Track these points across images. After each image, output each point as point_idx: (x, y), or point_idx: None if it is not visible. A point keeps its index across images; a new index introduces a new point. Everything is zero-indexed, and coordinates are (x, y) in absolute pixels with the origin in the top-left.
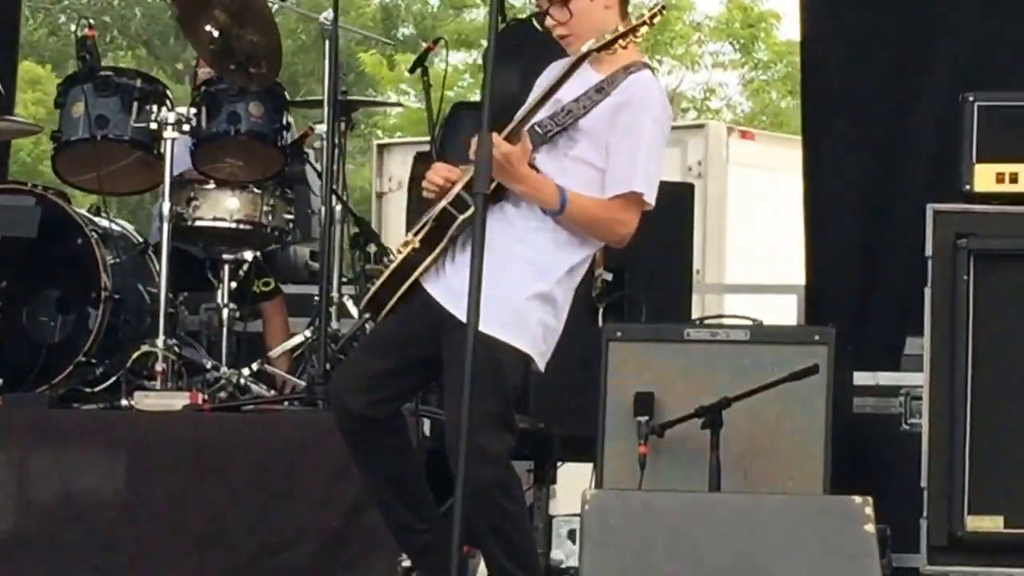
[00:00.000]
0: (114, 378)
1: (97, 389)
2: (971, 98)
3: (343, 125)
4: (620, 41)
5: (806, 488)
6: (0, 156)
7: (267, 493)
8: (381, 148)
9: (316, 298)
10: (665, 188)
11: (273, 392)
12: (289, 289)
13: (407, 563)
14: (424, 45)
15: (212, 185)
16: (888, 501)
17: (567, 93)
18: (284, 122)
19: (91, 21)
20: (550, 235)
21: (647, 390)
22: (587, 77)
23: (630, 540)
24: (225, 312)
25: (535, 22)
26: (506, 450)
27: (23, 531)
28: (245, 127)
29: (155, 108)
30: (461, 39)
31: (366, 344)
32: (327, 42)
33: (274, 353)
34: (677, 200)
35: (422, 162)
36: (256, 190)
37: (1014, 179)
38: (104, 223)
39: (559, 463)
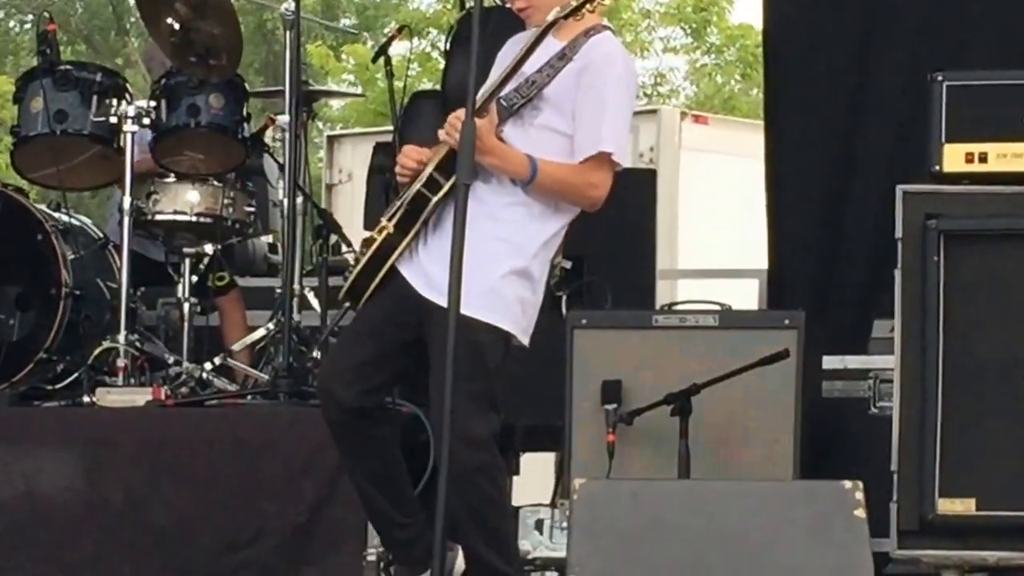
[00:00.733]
0: (75, 375)
1: (58, 386)
2: (939, 77)
3: (304, 116)
4: (588, 5)
5: (776, 473)
6: None
7: (230, 488)
8: (331, 140)
9: (278, 291)
10: (625, 174)
11: (235, 386)
12: (248, 282)
13: (372, 556)
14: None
15: (172, 178)
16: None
17: (530, 65)
18: (244, 114)
19: (51, 16)
20: (523, 209)
21: (615, 378)
22: (548, 46)
23: (619, 530)
24: (186, 306)
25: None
26: (491, 432)
27: None
28: (205, 119)
29: (115, 102)
30: (408, 28)
31: (349, 334)
32: (288, 32)
33: (236, 347)
34: (638, 186)
35: (382, 152)
36: (216, 183)
37: (983, 159)
38: (64, 218)
39: (521, 453)
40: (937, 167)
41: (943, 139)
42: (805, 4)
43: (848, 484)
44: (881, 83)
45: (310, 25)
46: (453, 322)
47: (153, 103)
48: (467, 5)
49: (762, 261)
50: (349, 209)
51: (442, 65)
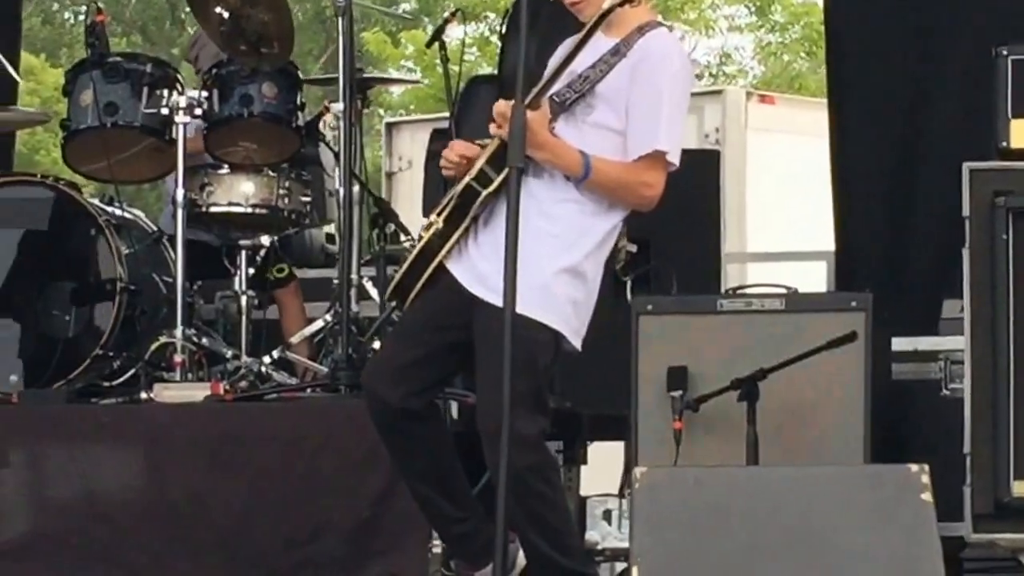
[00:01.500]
0: (132, 371)
1: (115, 383)
2: (1004, 52)
3: (359, 103)
4: None
5: (847, 458)
6: (5, 147)
7: (292, 483)
8: (390, 127)
9: (335, 281)
10: (689, 156)
11: (295, 380)
12: (306, 273)
13: (439, 548)
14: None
15: (226, 169)
16: (930, 469)
17: (582, 61)
18: (298, 102)
19: (99, 7)
20: (575, 206)
21: (680, 364)
22: (601, 43)
23: (682, 518)
24: (243, 299)
25: None
26: (540, 432)
27: (43, 530)
28: (259, 109)
29: (166, 93)
30: (467, 11)
31: (396, 333)
32: (340, 19)
33: (294, 339)
34: (702, 168)
35: (439, 139)
36: (271, 173)
37: None
38: (117, 212)
39: (589, 442)
40: (1005, 143)
41: (1010, 115)
42: None
43: (914, 467)
44: (947, 58)
45: (368, 12)
46: (509, 316)
47: (205, 93)
48: None
49: (832, 242)
50: (409, 197)
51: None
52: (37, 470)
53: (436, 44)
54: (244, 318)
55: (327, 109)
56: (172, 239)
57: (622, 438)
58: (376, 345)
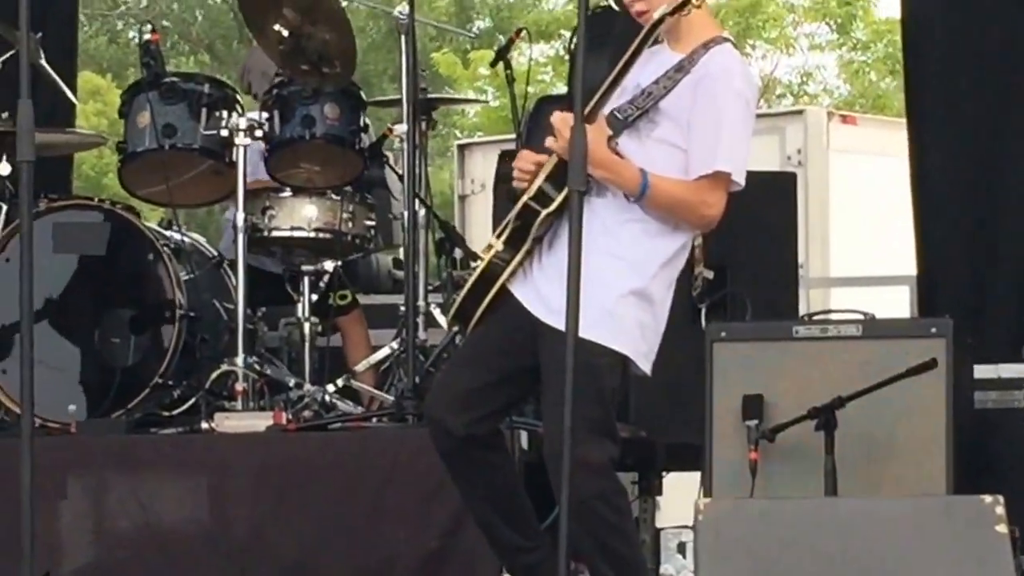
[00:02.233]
0: (193, 400)
1: (175, 412)
2: None
3: (424, 125)
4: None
5: (928, 489)
6: (63, 170)
7: (358, 516)
8: (462, 148)
9: (402, 308)
10: (766, 178)
11: (360, 409)
12: (372, 299)
13: None
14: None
15: (288, 193)
16: (1016, 501)
17: (646, 76)
18: (362, 123)
19: (153, 25)
20: (640, 226)
21: (756, 392)
22: (666, 57)
23: (747, 551)
24: (307, 326)
25: (613, 4)
26: (608, 458)
27: (103, 562)
28: (321, 130)
29: (225, 114)
30: (541, 30)
31: (459, 359)
32: (403, 37)
33: (359, 367)
34: (779, 190)
35: (507, 160)
36: (335, 196)
37: None
38: (176, 237)
39: (664, 473)
40: None
41: None
42: None
43: (988, 499)
44: None
45: (439, 31)
46: (571, 337)
47: (266, 115)
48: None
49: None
50: (483, 220)
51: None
52: (97, 501)
53: (502, 64)
54: (308, 345)
55: (390, 131)
56: (233, 264)
57: (699, 468)
58: None
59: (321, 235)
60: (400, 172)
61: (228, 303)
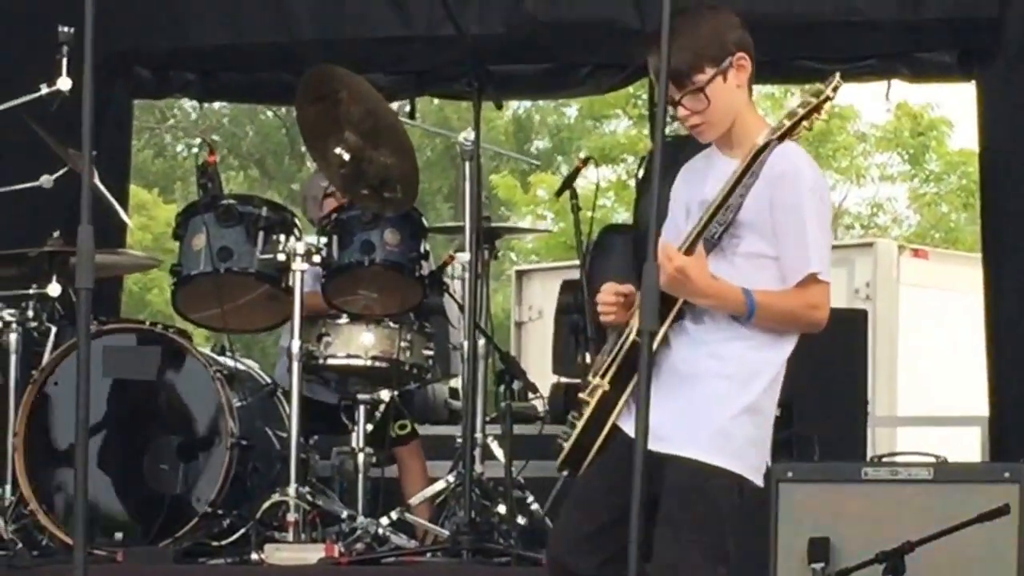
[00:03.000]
0: (243, 530)
1: (225, 543)
2: None
3: (486, 253)
4: (804, 123)
5: None
6: (113, 291)
7: None
8: (520, 275)
9: (458, 440)
10: (836, 314)
11: (415, 543)
12: (428, 430)
13: None
14: (576, 163)
15: (345, 320)
16: None
17: (711, 189)
18: (422, 250)
19: (211, 146)
20: (743, 342)
21: (822, 535)
22: (724, 164)
23: None
24: (361, 457)
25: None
26: None
27: None
28: (380, 256)
29: (282, 238)
30: (603, 154)
31: (578, 501)
32: (467, 163)
33: (414, 500)
34: (849, 327)
35: (569, 290)
36: (392, 324)
37: None
38: (229, 363)
39: None
40: None
41: None
42: None
43: None
44: None
45: (497, 152)
46: (639, 458)
47: (324, 239)
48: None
49: (987, 407)
50: (540, 349)
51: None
52: None
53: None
54: (361, 476)
55: (452, 258)
56: (287, 392)
57: None
58: (501, 509)
59: (378, 364)
60: (460, 300)
61: (281, 431)
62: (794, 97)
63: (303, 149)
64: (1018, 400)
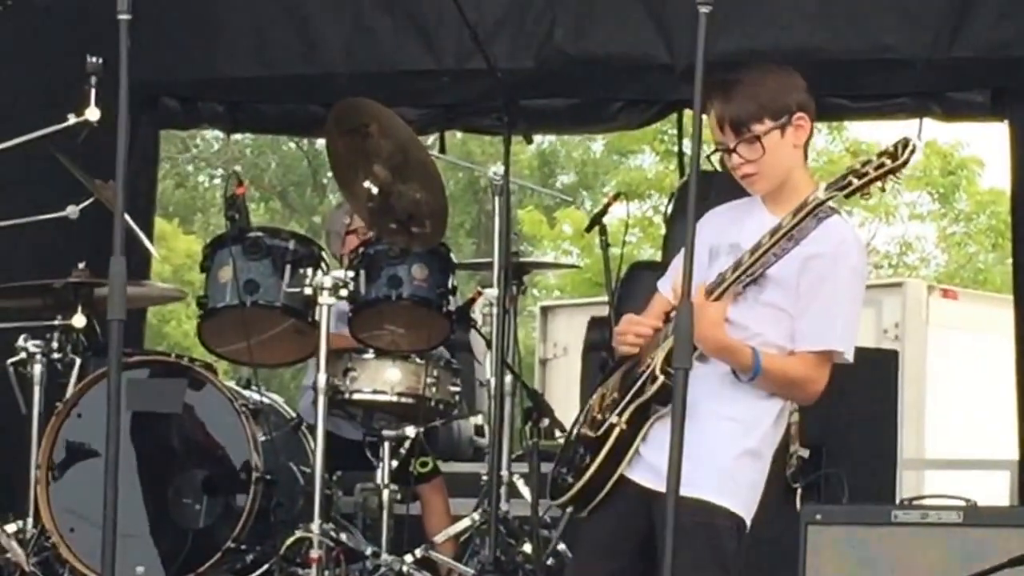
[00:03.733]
0: (266, 566)
1: None
2: None
3: (514, 289)
4: (869, 188)
5: None
6: (136, 322)
7: None
8: (545, 311)
9: (484, 477)
10: (866, 356)
11: None
12: (453, 467)
13: None
14: (604, 201)
15: (371, 355)
16: None
17: (744, 236)
18: (450, 286)
19: (240, 178)
20: (748, 387)
21: None
22: (764, 218)
23: None
24: (385, 493)
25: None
26: None
27: None
28: (408, 292)
29: (309, 272)
30: (630, 189)
31: (587, 547)
32: (496, 198)
33: (439, 538)
34: (879, 369)
35: (598, 327)
36: (419, 360)
37: None
38: (254, 397)
39: None
40: None
41: None
42: None
43: None
44: None
45: (523, 187)
46: (671, 506)
47: (351, 273)
48: (687, 169)
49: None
50: (564, 386)
51: (663, 231)
52: None
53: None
54: (385, 513)
55: (480, 294)
56: (312, 427)
57: None
58: (526, 548)
59: (404, 399)
60: (486, 336)
61: (305, 466)
62: (819, 133)
63: (325, 181)
64: None
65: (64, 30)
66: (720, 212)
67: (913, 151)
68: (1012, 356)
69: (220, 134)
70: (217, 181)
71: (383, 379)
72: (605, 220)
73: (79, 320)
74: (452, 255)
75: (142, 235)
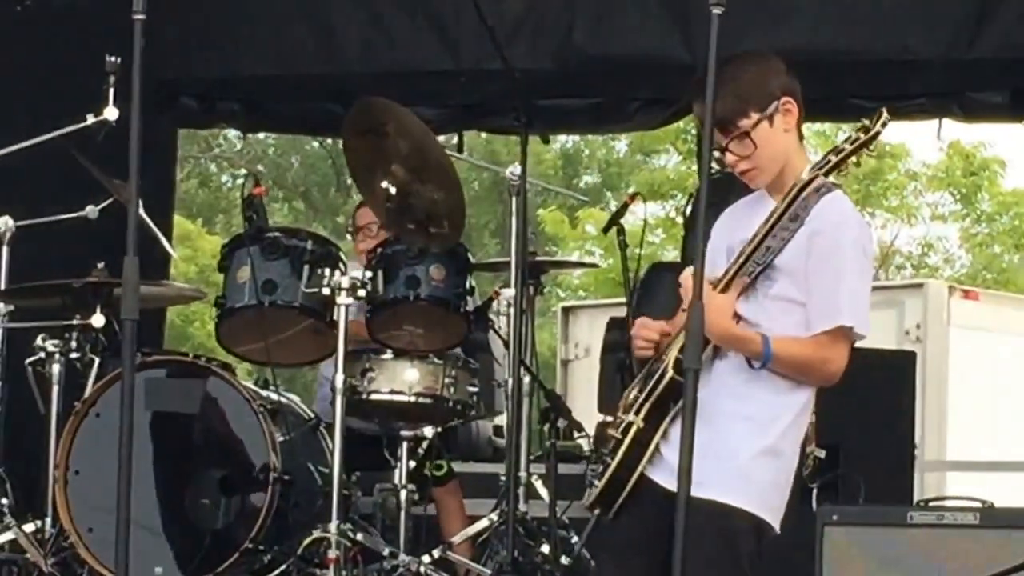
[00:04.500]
0: (283, 566)
1: None
2: None
3: (532, 289)
4: (851, 159)
5: None
6: (155, 322)
7: None
8: (566, 311)
9: (502, 478)
10: (884, 356)
11: None
12: (471, 468)
13: None
14: (624, 199)
15: (389, 355)
16: None
17: (752, 227)
18: (467, 286)
19: (258, 178)
20: (766, 383)
21: None
22: (768, 204)
23: None
24: (403, 494)
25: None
26: None
27: None
28: (425, 292)
29: (327, 272)
30: (652, 189)
31: (613, 550)
32: (513, 198)
33: (456, 538)
34: (897, 370)
35: (616, 328)
36: (437, 360)
37: None
38: (272, 397)
39: None
40: None
41: None
42: None
43: None
44: None
45: (544, 187)
46: (681, 507)
47: (369, 274)
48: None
49: None
50: (586, 387)
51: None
52: None
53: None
54: (404, 513)
55: (497, 294)
56: (330, 427)
57: None
58: (544, 549)
59: (422, 400)
60: (504, 336)
61: (323, 466)
62: (842, 134)
63: (349, 181)
64: None
65: (82, 29)
66: (735, 209)
67: (886, 123)
68: None
69: (242, 134)
70: (240, 181)
71: (401, 379)
72: (625, 220)
73: (98, 320)
74: (470, 255)
75: (160, 234)
